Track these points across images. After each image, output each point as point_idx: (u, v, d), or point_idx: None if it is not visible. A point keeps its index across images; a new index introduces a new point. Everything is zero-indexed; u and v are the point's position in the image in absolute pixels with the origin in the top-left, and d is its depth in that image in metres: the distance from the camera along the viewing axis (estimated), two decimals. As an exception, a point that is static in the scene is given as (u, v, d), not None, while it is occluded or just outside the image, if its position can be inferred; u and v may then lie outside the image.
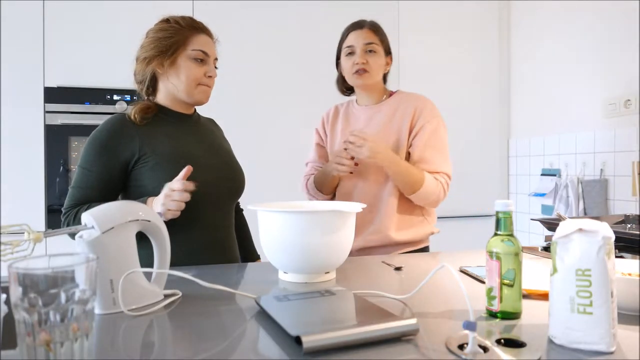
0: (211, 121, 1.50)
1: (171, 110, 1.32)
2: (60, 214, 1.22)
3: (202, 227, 1.26)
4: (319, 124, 1.73)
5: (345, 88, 1.68)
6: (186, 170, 1.11)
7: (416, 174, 1.43)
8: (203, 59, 1.27)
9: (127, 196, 1.24)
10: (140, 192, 1.21)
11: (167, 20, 1.28)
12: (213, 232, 1.29)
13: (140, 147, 1.22)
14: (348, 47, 1.54)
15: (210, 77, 1.29)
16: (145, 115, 1.26)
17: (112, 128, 1.22)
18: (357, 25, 1.55)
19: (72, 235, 0.85)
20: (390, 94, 1.61)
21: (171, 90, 1.29)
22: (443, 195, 1.47)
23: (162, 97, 1.32)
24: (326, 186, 1.57)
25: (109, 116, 1.27)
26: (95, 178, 1.20)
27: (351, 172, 1.45)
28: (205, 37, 1.29)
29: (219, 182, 1.28)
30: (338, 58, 1.62)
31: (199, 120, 1.40)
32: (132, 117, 1.24)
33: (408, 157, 1.50)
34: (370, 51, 1.51)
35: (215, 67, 1.33)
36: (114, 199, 1.24)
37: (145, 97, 1.33)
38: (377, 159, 1.38)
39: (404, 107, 1.53)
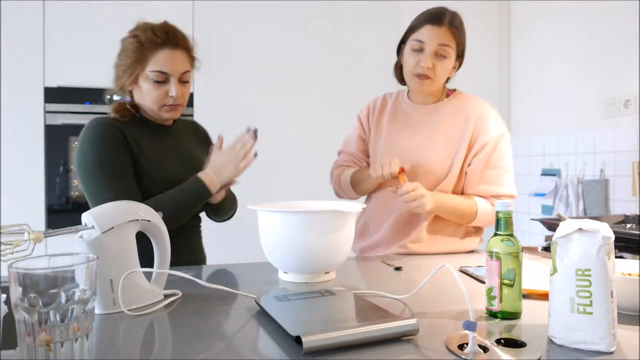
0: (191, 125, 1.44)
1: (149, 121, 1.30)
2: (60, 214, 1.21)
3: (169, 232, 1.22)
4: (362, 112, 1.54)
5: (403, 77, 1.46)
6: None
7: (465, 208, 1.33)
8: (163, 80, 1.21)
9: None
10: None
11: (133, 33, 1.23)
12: (179, 236, 1.25)
13: (135, 148, 1.22)
14: (418, 41, 1.32)
15: (172, 96, 1.23)
16: (123, 114, 1.25)
17: (107, 128, 1.20)
18: (436, 19, 1.32)
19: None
20: (448, 93, 1.45)
21: (140, 105, 1.28)
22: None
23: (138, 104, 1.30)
24: (363, 188, 1.46)
25: (90, 122, 1.23)
26: (125, 172, 1.17)
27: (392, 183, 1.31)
28: (167, 53, 1.20)
29: None
30: (402, 42, 1.42)
31: (177, 129, 1.37)
32: (113, 116, 1.24)
33: (462, 172, 1.38)
34: (441, 55, 1.32)
35: (186, 81, 1.26)
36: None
37: (129, 99, 1.31)
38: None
39: (464, 115, 1.38)
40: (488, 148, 1.34)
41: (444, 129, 1.38)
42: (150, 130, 1.29)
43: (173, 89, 1.22)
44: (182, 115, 1.36)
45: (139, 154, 1.22)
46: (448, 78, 1.44)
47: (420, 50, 1.33)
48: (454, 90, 1.47)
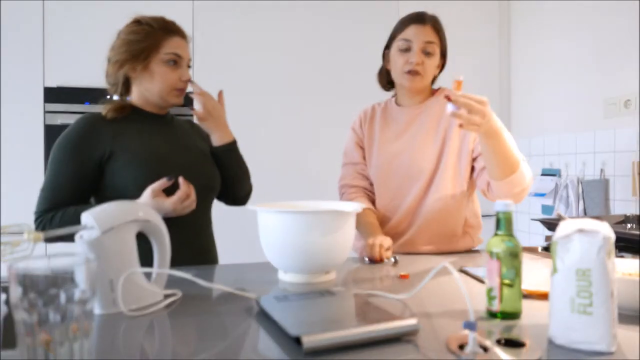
0: (188, 122, 1.45)
1: (143, 110, 1.30)
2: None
3: (174, 227, 1.13)
4: (354, 123, 1.57)
5: (387, 82, 1.52)
6: (162, 183, 1.15)
7: (513, 150, 1.19)
8: (177, 62, 1.25)
9: (100, 196, 1.22)
10: (112, 191, 1.20)
11: (138, 22, 1.24)
12: (187, 232, 1.25)
13: (111, 144, 1.20)
14: (405, 40, 1.38)
15: (185, 80, 1.26)
16: (119, 115, 1.25)
17: (83, 127, 1.21)
18: (419, 19, 1.39)
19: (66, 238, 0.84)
20: (433, 92, 1.48)
21: (144, 93, 1.28)
22: (532, 181, 1.29)
23: (135, 98, 1.30)
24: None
25: (79, 116, 1.25)
26: (67, 178, 1.18)
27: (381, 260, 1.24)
28: (178, 40, 1.25)
29: (189, 181, 1.20)
30: (387, 47, 1.47)
31: (172, 120, 1.37)
32: (105, 114, 1.24)
33: (457, 169, 1.38)
34: (427, 52, 1.37)
35: (189, 66, 1.30)
36: (87, 200, 1.22)
37: (118, 97, 1.31)
38: (490, 124, 1.14)
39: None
40: None
41: (431, 126, 1.41)
42: (147, 120, 1.29)
43: (185, 72, 1.27)
44: (182, 115, 1.36)
45: (124, 148, 1.21)
46: (434, 78, 1.47)
47: (407, 49, 1.38)
48: (439, 88, 1.49)
